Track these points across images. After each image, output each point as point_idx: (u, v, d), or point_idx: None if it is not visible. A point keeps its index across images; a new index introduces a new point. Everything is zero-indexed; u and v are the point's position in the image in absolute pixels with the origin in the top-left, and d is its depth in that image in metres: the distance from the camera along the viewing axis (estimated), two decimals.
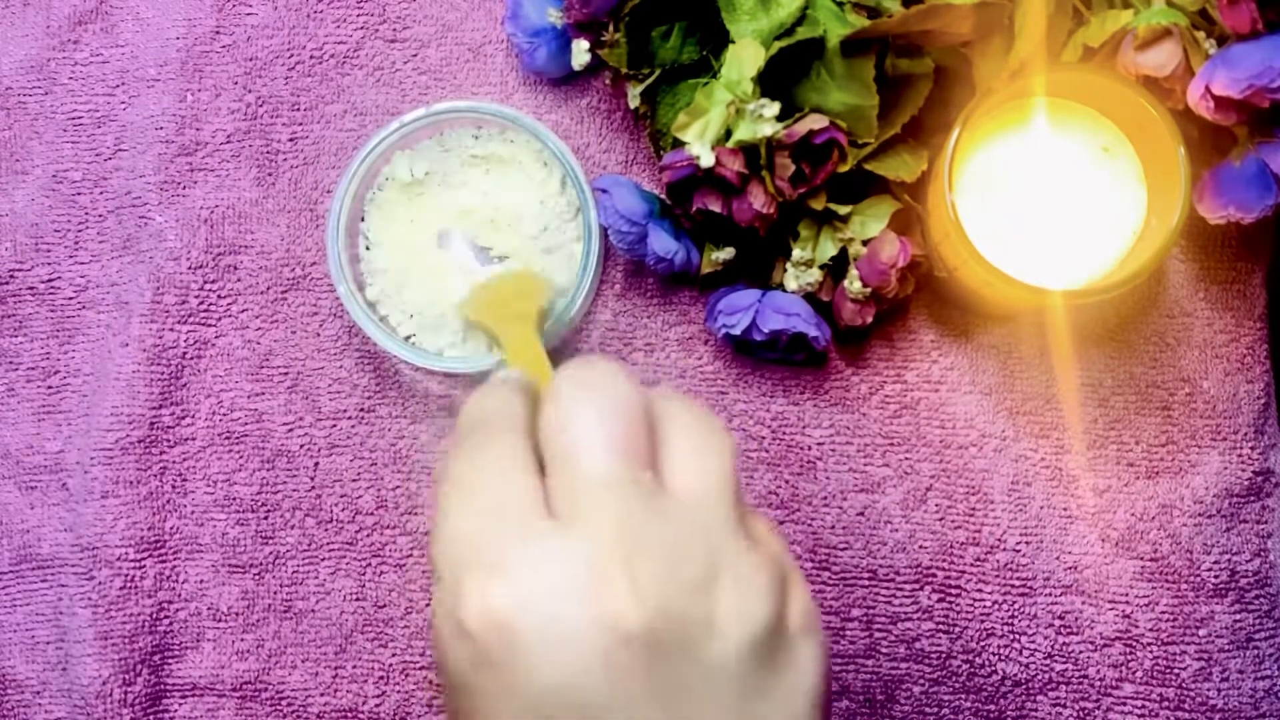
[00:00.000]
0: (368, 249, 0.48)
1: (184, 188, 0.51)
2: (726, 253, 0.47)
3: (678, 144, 0.44)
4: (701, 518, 0.26)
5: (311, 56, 0.52)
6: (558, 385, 0.28)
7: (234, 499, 0.50)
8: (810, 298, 0.47)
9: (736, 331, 0.46)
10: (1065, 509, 0.48)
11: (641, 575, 0.25)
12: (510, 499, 0.27)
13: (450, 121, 0.48)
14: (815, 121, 0.43)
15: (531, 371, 0.37)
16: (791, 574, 0.27)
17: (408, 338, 0.48)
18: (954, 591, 0.48)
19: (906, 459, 0.49)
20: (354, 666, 0.49)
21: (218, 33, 0.52)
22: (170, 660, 0.49)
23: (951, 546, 0.48)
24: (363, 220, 0.49)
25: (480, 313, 0.45)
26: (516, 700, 0.25)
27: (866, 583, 0.48)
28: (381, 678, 0.49)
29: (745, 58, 0.44)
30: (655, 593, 0.25)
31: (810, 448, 0.49)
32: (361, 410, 0.50)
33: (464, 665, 0.25)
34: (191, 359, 0.50)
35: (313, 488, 0.50)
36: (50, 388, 0.51)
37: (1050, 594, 0.48)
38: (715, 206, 0.44)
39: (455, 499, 0.27)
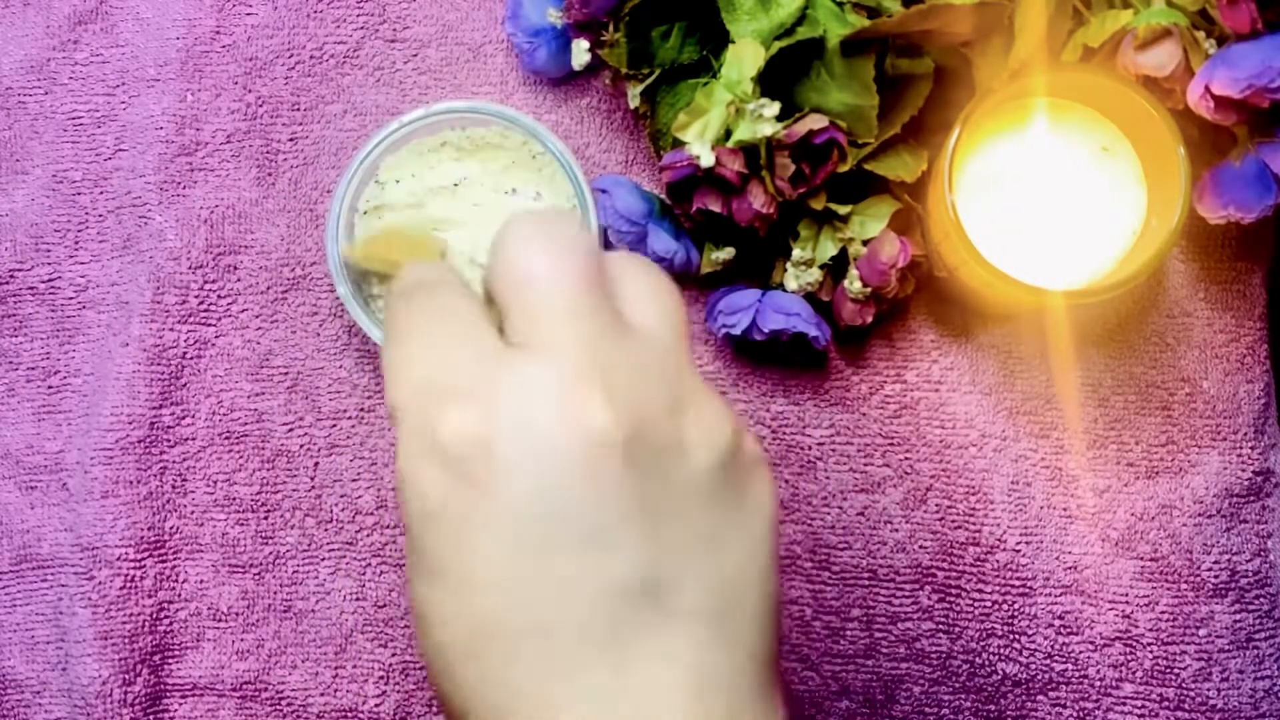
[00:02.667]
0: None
1: (184, 188, 0.51)
2: (726, 253, 0.47)
3: (678, 144, 0.44)
4: (663, 352, 0.27)
5: (311, 56, 0.52)
6: (507, 227, 0.27)
7: (234, 499, 0.50)
8: (810, 298, 0.47)
9: (736, 331, 0.46)
10: (1065, 509, 0.48)
11: (616, 392, 0.25)
12: (470, 334, 0.26)
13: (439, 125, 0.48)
14: (815, 121, 0.43)
15: None
16: (737, 416, 0.28)
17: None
18: (954, 591, 0.48)
19: (906, 459, 0.49)
20: (354, 666, 0.49)
21: (218, 33, 0.52)
22: (170, 660, 0.49)
23: (951, 546, 0.48)
24: (363, 219, 0.49)
25: (371, 261, 0.43)
26: (497, 523, 0.24)
27: (866, 583, 0.48)
28: (381, 678, 0.49)
29: (745, 58, 0.44)
30: (630, 408, 0.25)
31: (810, 448, 0.49)
32: (361, 410, 0.50)
33: (439, 495, 0.25)
34: (191, 359, 0.50)
35: (313, 488, 0.50)
36: (50, 388, 0.51)
37: (1050, 594, 0.48)
38: (715, 206, 0.44)
39: (411, 343, 0.27)
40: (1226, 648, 0.47)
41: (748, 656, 0.26)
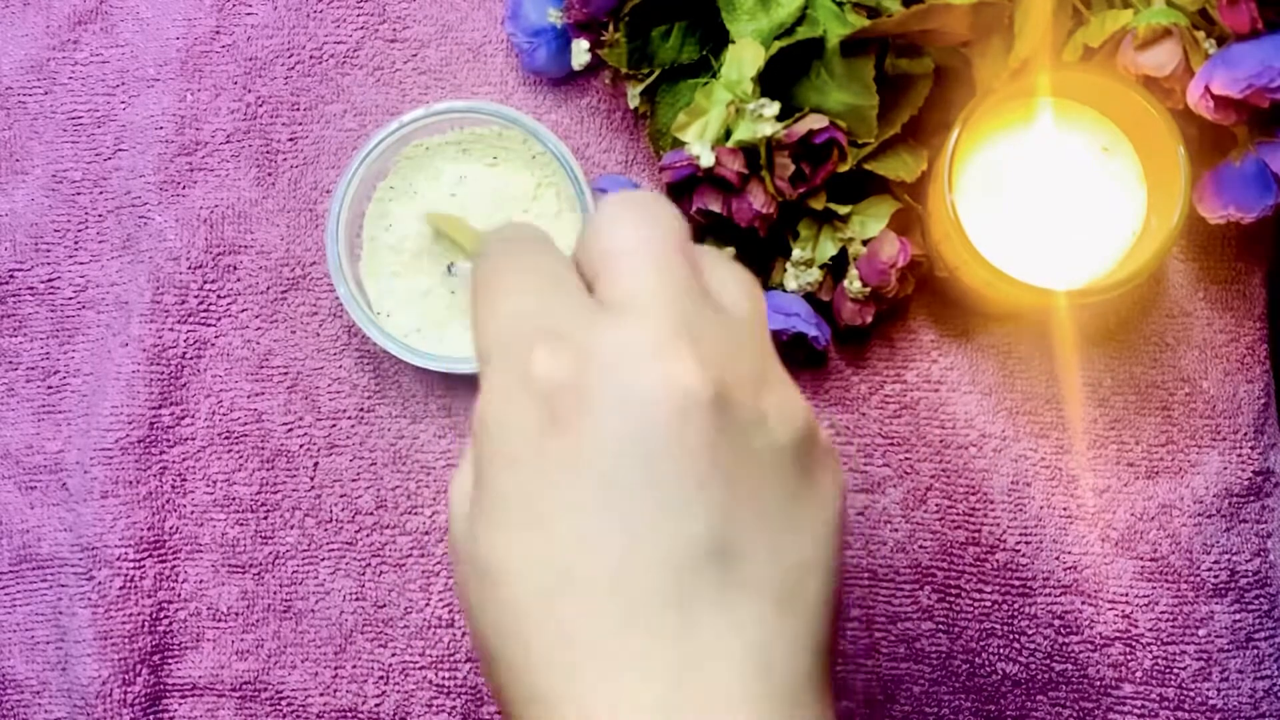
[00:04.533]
0: (372, 239, 0.49)
1: (184, 188, 0.51)
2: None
3: (678, 144, 0.44)
4: (748, 334, 0.27)
5: (311, 56, 0.52)
6: (605, 203, 0.28)
7: (234, 499, 0.50)
8: (810, 298, 0.47)
9: None
10: (1065, 509, 0.48)
11: (704, 355, 0.25)
12: (564, 284, 0.27)
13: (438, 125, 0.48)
14: (815, 121, 0.43)
15: None
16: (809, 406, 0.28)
17: (407, 337, 0.48)
18: (954, 591, 0.48)
19: (906, 459, 0.49)
20: (354, 666, 0.49)
21: (218, 33, 0.52)
22: (170, 660, 0.49)
23: (951, 546, 0.48)
24: (363, 219, 0.49)
25: (447, 229, 0.45)
26: (583, 467, 0.24)
27: (866, 583, 0.48)
28: (381, 678, 0.49)
29: (745, 58, 0.44)
30: (717, 372, 0.25)
31: None
32: (361, 410, 0.50)
33: (526, 432, 0.25)
34: (191, 359, 0.50)
35: (313, 488, 0.50)
36: (50, 388, 0.51)
37: (1050, 594, 0.48)
38: (715, 206, 0.44)
39: (509, 282, 0.27)
40: (1226, 648, 0.47)
41: (808, 642, 0.25)
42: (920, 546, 0.48)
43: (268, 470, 0.50)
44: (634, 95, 0.48)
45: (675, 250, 0.27)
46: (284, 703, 0.49)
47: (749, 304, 0.28)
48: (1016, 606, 0.48)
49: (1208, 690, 0.47)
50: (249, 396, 0.50)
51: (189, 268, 0.50)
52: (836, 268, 0.47)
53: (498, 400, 0.26)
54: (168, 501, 0.50)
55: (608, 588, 0.24)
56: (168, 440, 0.50)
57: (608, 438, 0.24)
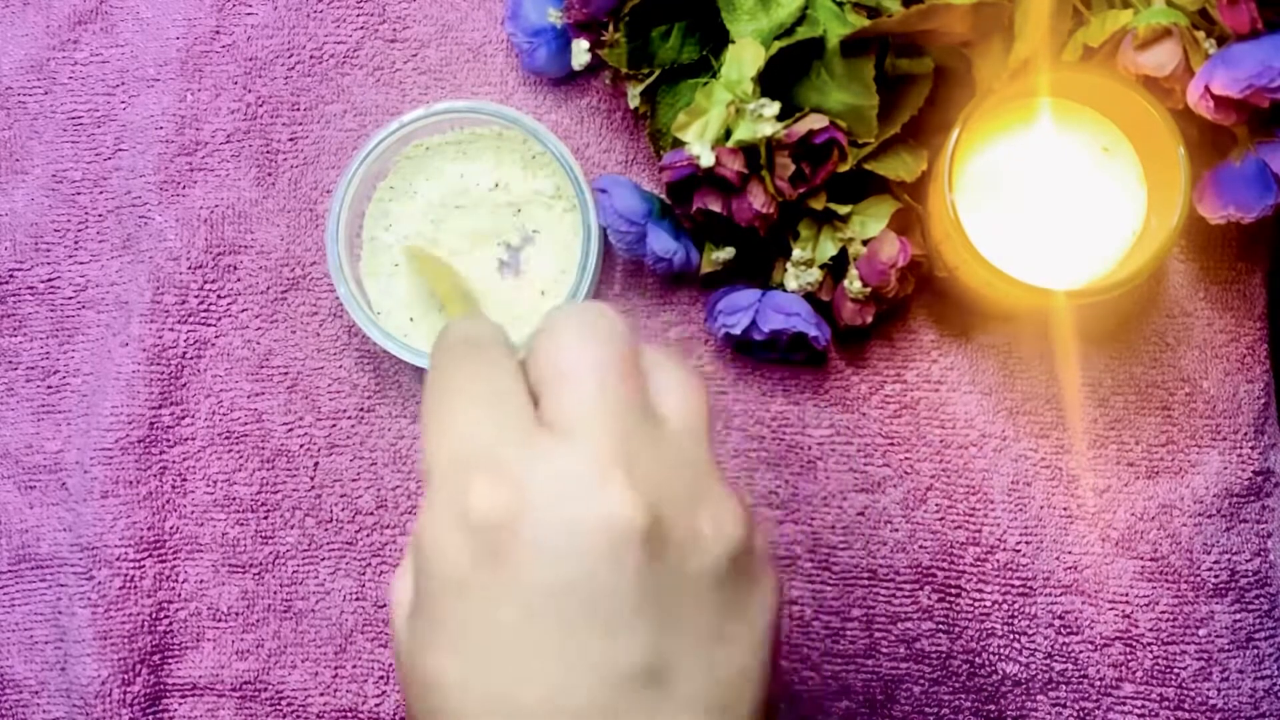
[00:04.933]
0: (372, 239, 0.49)
1: (184, 188, 0.51)
2: (726, 253, 0.47)
3: (678, 144, 0.44)
4: (687, 446, 0.28)
5: (311, 56, 0.52)
6: (554, 317, 0.29)
7: (234, 499, 0.50)
8: (810, 298, 0.47)
9: (736, 331, 0.46)
10: (1065, 509, 0.48)
11: (640, 483, 0.26)
12: (509, 405, 0.27)
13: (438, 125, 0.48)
14: (815, 121, 0.43)
15: None
16: (751, 512, 0.29)
17: (407, 337, 0.48)
18: (954, 591, 0.48)
19: (906, 459, 0.49)
20: (354, 666, 0.49)
21: (218, 33, 0.52)
22: (170, 660, 0.49)
23: (951, 546, 0.48)
24: (363, 219, 0.49)
25: (423, 273, 0.45)
26: (519, 597, 0.25)
27: (866, 583, 0.48)
28: (381, 678, 0.49)
29: (745, 58, 0.44)
30: (652, 499, 0.26)
31: (810, 448, 0.49)
32: (361, 410, 0.50)
33: (463, 563, 0.26)
34: (191, 359, 0.50)
35: (313, 488, 0.50)
36: (50, 387, 0.51)
37: (1050, 594, 0.48)
38: (715, 206, 0.44)
39: (452, 404, 0.28)
40: (1226, 648, 0.47)
41: None
42: (920, 546, 0.48)
43: (268, 470, 0.50)
44: (634, 95, 0.48)
45: (618, 368, 0.27)
46: (284, 703, 0.49)
47: (690, 411, 0.28)
48: (1017, 606, 0.48)
49: (1208, 690, 0.47)
50: (249, 396, 0.50)
51: (189, 268, 0.50)
52: (836, 268, 0.47)
53: (437, 528, 0.26)
54: (168, 501, 0.50)
55: (544, 712, 0.25)
56: (168, 440, 0.50)
57: (544, 573, 0.25)
